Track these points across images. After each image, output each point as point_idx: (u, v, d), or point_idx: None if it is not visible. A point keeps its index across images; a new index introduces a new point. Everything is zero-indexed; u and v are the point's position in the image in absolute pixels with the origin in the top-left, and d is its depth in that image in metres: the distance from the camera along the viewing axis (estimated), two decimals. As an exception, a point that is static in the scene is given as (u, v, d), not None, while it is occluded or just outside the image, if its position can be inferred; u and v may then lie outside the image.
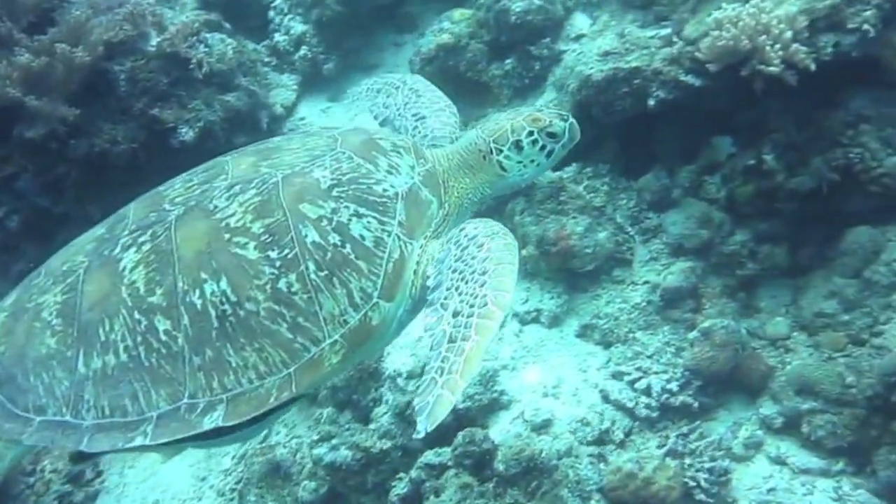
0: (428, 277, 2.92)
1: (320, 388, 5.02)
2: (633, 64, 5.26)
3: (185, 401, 2.78)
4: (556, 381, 4.99)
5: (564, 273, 5.34)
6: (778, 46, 4.34)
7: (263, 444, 5.34)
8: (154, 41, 5.50)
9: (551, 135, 3.20)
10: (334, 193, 2.90)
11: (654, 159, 5.64)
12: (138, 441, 2.78)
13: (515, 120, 3.24)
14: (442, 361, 2.59)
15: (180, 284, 2.79)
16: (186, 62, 5.51)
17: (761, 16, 4.40)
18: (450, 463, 4.59)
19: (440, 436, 4.79)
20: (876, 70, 4.83)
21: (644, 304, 5.09)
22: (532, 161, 3.25)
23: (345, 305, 2.82)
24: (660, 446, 4.53)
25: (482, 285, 2.70)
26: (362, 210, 2.89)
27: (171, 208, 2.96)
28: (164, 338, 2.78)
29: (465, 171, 3.27)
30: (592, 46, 5.67)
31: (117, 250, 2.91)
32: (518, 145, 3.20)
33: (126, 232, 2.95)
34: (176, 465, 5.51)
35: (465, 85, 6.25)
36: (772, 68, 4.38)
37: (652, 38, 5.41)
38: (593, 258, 5.25)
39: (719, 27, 4.49)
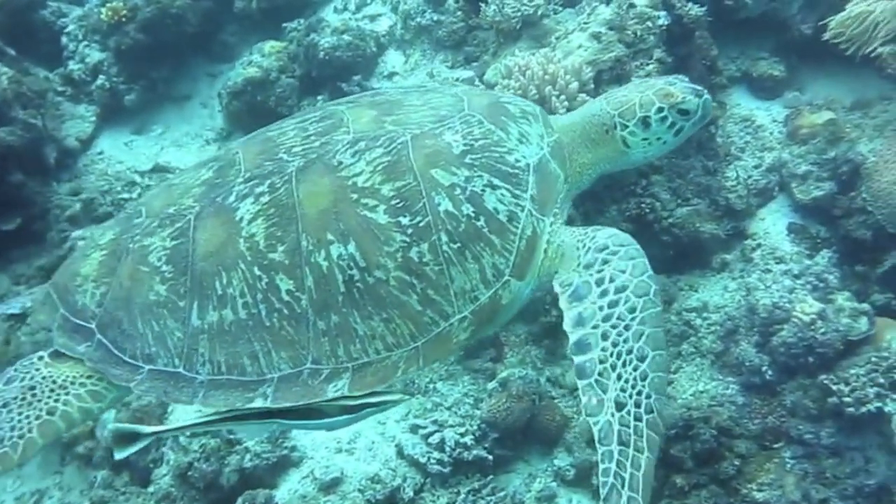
0: (560, 303, 2.77)
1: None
2: (437, 107, 5.24)
3: (309, 366, 2.70)
4: (352, 434, 4.81)
5: (367, 321, 5.20)
6: (563, 97, 4.40)
7: (33, 514, 4.90)
8: None
9: (683, 112, 3.00)
10: (467, 160, 2.78)
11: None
12: (258, 402, 2.69)
13: (645, 94, 3.04)
14: (619, 467, 2.55)
15: (304, 243, 2.69)
16: (-60, 93, 5.05)
17: (549, 65, 4.47)
18: (229, 529, 4.34)
19: (222, 498, 4.53)
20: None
21: (445, 353, 5.01)
22: (658, 139, 3.05)
23: (476, 281, 2.73)
24: (450, 503, 4.44)
25: (644, 378, 2.61)
26: (496, 181, 2.77)
27: (290, 159, 2.82)
28: (286, 298, 2.69)
29: (587, 145, 3.10)
30: (402, 85, 5.64)
31: (232, 199, 2.79)
32: (645, 121, 3.01)
33: (240, 179, 2.83)
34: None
35: (276, 121, 6.05)
36: (559, 118, 4.43)
37: (457, 80, 5.43)
38: (395, 306, 5.14)
39: (509, 75, 4.52)
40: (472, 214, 2.71)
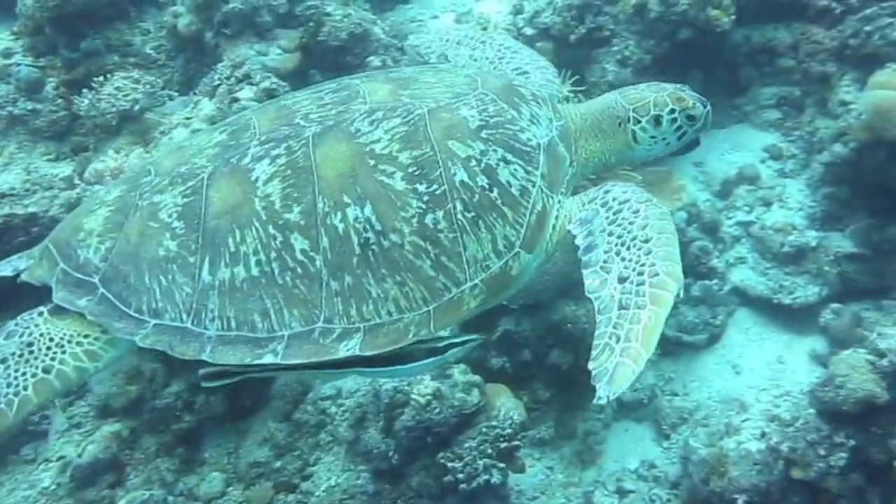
0: (574, 236, 2.94)
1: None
2: (31, 209, 4.82)
3: (321, 324, 2.77)
4: None
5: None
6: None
7: None
8: None
9: (690, 117, 3.26)
10: (483, 135, 2.94)
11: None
12: (267, 358, 2.74)
13: (659, 94, 3.27)
14: (615, 328, 2.59)
15: (320, 205, 2.77)
16: None
17: (145, 167, 4.32)
18: None
19: None
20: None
21: (54, 486, 4.59)
22: (664, 139, 3.28)
23: (488, 250, 2.88)
24: None
25: (648, 253, 2.72)
26: (509, 156, 2.94)
27: (307, 124, 2.90)
28: (300, 257, 2.77)
29: (597, 134, 3.30)
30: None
31: (247, 160, 2.85)
32: (657, 120, 3.24)
33: (255, 142, 2.89)
34: None
35: None
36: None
37: (58, 176, 5.06)
38: (-10, 439, 4.61)
39: (100, 179, 4.30)
40: (487, 186, 2.87)
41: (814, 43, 5.84)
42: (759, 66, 6.16)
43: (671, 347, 5.61)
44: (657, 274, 2.68)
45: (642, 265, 2.73)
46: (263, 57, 5.22)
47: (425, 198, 2.83)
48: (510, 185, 2.93)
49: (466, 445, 4.50)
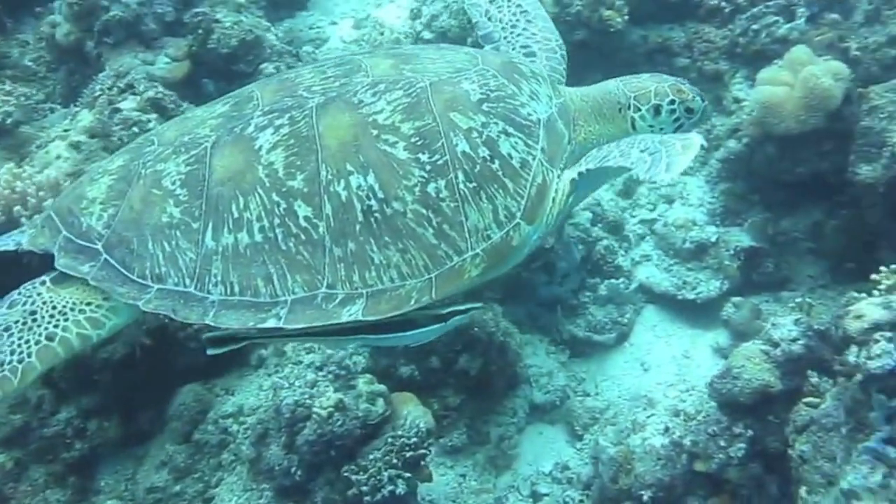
0: (585, 173, 3.03)
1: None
2: None
3: (323, 290, 2.82)
4: None
5: None
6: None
7: None
8: None
9: (689, 110, 3.36)
10: (484, 108, 2.99)
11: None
12: (270, 322, 2.78)
13: (660, 84, 3.38)
14: (653, 161, 2.67)
15: (323, 173, 2.82)
16: None
17: (17, 182, 4.14)
18: None
19: None
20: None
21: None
22: (661, 129, 3.36)
23: (489, 220, 2.94)
24: None
25: (660, 141, 2.79)
26: (510, 129, 3.00)
27: (309, 95, 2.94)
28: (304, 224, 2.81)
29: (597, 117, 3.38)
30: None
31: (251, 129, 2.90)
32: (657, 109, 3.35)
33: (258, 112, 2.94)
34: None
35: None
36: None
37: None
38: None
39: (-36, 196, 4.09)
40: (488, 157, 2.94)
41: (706, 42, 6.00)
42: (656, 66, 6.27)
43: (581, 348, 5.65)
44: (678, 136, 2.89)
45: (661, 140, 2.89)
46: (150, 66, 5.08)
47: (427, 167, 2.90)
48: (511, 158, 3.02)
49: (371, 457, 4.42)
